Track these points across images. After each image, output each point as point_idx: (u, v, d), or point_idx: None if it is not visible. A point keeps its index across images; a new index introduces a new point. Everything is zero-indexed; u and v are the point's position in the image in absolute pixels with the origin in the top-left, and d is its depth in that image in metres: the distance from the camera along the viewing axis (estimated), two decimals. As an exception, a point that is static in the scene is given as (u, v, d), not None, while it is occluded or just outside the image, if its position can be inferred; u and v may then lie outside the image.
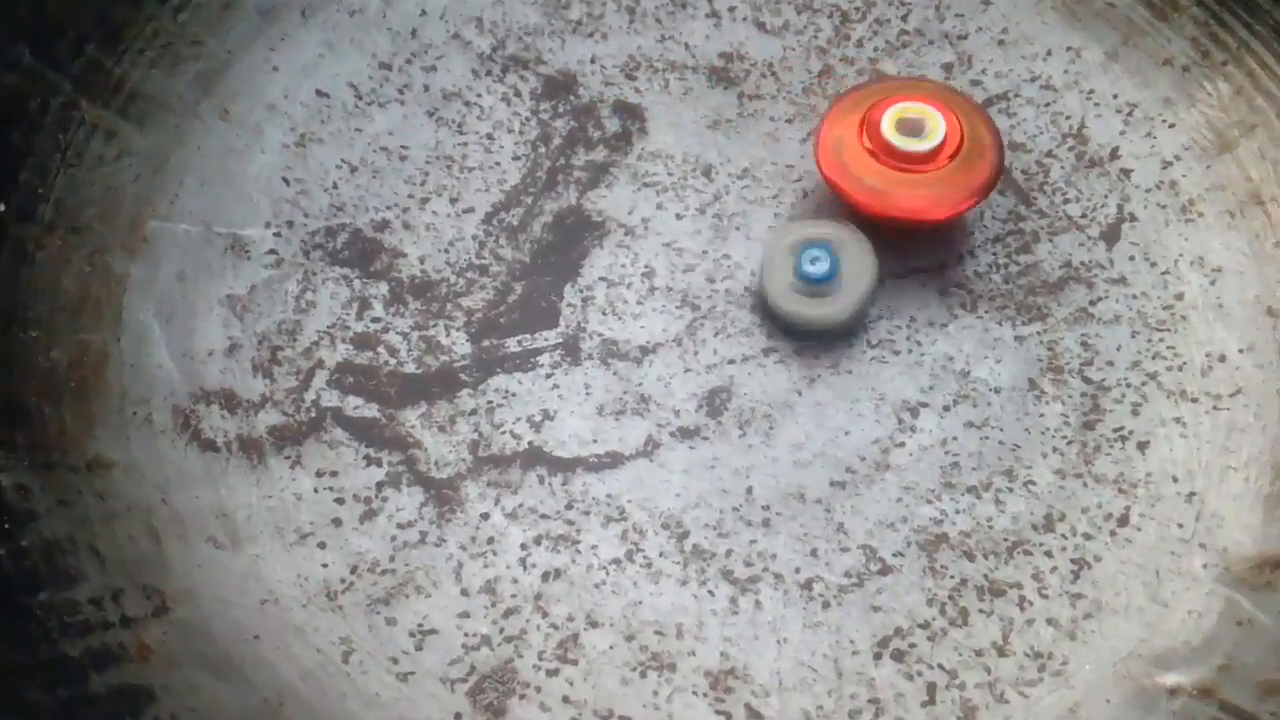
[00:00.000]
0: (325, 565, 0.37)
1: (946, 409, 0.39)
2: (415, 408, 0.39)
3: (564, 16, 0.44)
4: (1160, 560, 0.37)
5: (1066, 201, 0.42)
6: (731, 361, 0.40)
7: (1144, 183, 0.42)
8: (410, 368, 0.40)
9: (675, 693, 0.36)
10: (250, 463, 0.39)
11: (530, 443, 0.39)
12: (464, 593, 0.37)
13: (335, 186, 0.42)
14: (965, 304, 0.40)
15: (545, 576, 0.37)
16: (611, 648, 0.37)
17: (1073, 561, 0.38)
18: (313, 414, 0.39)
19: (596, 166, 0.42)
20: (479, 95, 0.43)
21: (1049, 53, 0.43)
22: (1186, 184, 0.42)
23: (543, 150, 0.43)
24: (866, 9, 0.44)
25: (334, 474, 0.39)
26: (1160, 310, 0.40)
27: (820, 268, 0.38)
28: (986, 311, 0.40)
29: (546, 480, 0.39)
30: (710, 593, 0.37)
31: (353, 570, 0.37)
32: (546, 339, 0.40)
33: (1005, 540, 0.38)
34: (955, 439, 0.39)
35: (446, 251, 0.41)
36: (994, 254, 0.41)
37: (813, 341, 0.40)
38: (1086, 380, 0.40)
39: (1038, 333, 0.40)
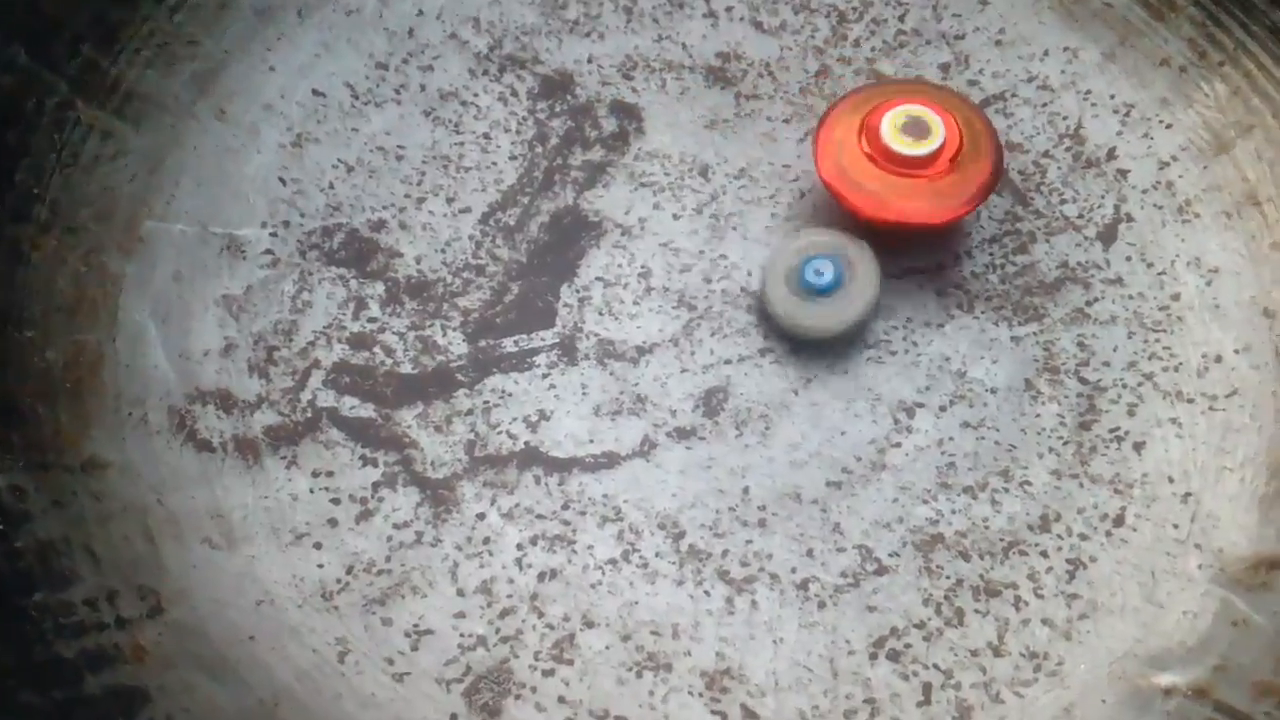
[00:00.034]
0: (321, 566, 0.37)
1: (943, 409, 0.39)
2: (411, 408, 0.39)
3: (561, 16, 0.44)
4: (1156, 561, 0.37)
5: (1063, 202, 0.42)
6: (728, 362, 0.40)
7: (1141, 183, 0.42)
8: (406, 368, 0.40)
9: (671, 693, 0.36)
10: (246, 463, 0.39)
11: (526, 443, 0.39)
12: (460, 593, 0.37)
13: (331, 186, 0.42)
14: (962, 304, 0.40)
15: (541, 576, 0.37)
16: (607, 648, 0.37)
17: (1068, 562, 0.38)
18: (308, 414, 0.39)
19: (593, 166, 0.42)
20: (476, 95, 0.43)
21: (1046, 53, 0.43)
22: (1183, 184, 0.42)
23: (539, 150, 0.43)
24: (864, 9, 0.44)
25: (330, 474, 0.39)
26: (1156, 311, 0.40)
27: (825, 278, 0.38)
28: (983, 312, 0.40)
29: (543, 480, 0.39)
30: (706, 593, 0.37)
31: (349, 571, 0.37)
32: (543, 339, 0.40)
33: (1001, 540, 0.38)
34: (951, 439, 0.39)
35: (443, 251, 0.41)
36: (991, 254, 0.41)
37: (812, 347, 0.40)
38: (1083, 381, 0.40)
39: (1034, 333, 0.40)
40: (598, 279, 0.41)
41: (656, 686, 0.36)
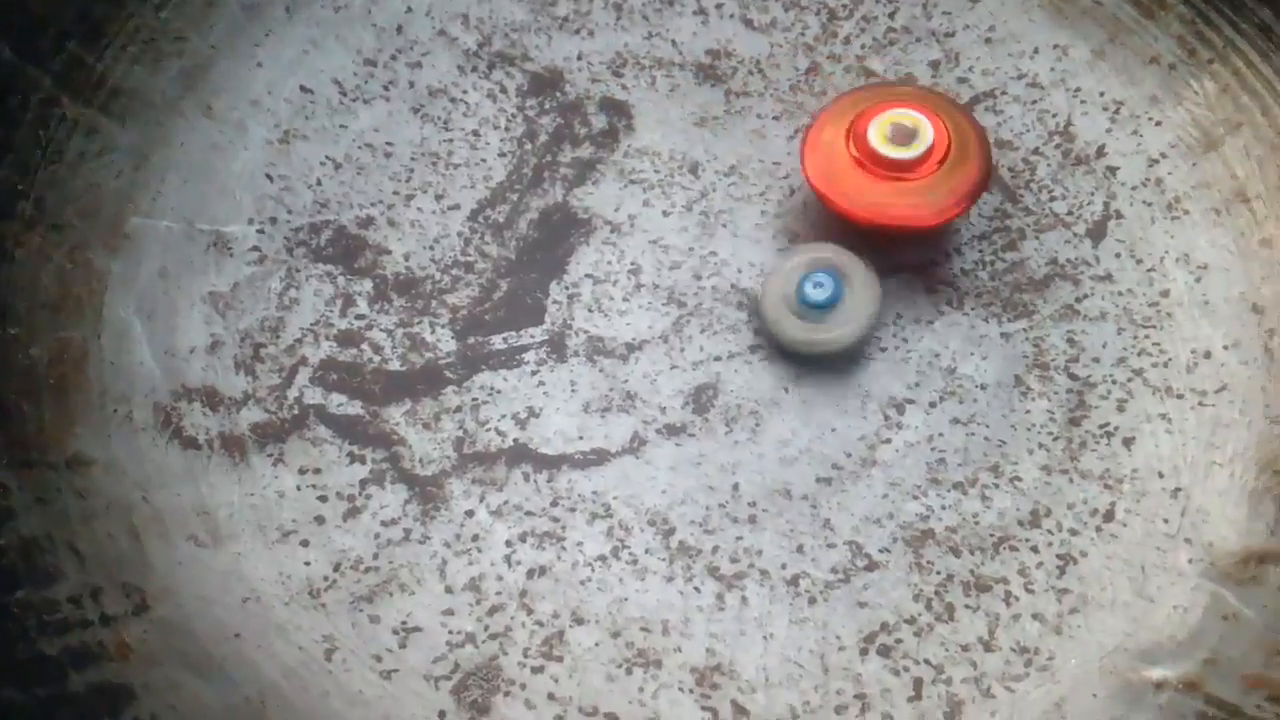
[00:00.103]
0: (308, 563, 0.37)
1: (933, 405, 0.39)
2: (399, 405, 0.39)
3: (551, 13, 0.44)
4: (1146, 555, 0.37)
5: (1053, 199, 0.42)
6: (718, 358, 0.40)
7: (1130, 180, 0.42)
8: (394, 365, 0.40)
9: (661, 689, 0.36)
10: (232, 460, 0.38)
11: (515, 440, 0.39)
12: (448, 590, 0.37)
13: (319, 183, 0.42)
14: (952, 301, 0.40)
15: (530, 573, 0.37)
16: (597, 644, 0.36)
17: (1059, 557, 0.37)
18: (296, 411, 0.39)
19: (583, 163, 0.42)
20: (465, 92, 0.43)
21: (1036, 50, 0.43)
22: (1172, 181, 0.42)
23: (529, 147, 0.42)
24: (854, 6, 0.44)
25: (317, 471, 0.38)
26: (1146, 307, 0.40)
27: (822, 293, 0.38)
28: (973, 308, 0.40)
29: (532, 477, 0.38)
30: (696, 589, 0.37)
31: (336, 568, 0.37)
32: (532, 336, 0.40)
33: (991, 536, 0.38)
34: (941, 435, 0.39)
35: (432, 248, 0.41)
36: (980, 251, 0.41)
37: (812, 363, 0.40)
38: (1072, 377, 0.40)
39: (1024, 329, 0.40)
40: (587, 276, 0.41)
41: (646, 683, 0.36)
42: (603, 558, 0.37)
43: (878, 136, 0.38)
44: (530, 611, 0.37)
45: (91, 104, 0.41)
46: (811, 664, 0.36)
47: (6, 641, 0.34)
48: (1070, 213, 0.42)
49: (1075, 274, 0.41)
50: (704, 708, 0.36)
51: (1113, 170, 0.42)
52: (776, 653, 0.36)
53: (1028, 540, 0.38)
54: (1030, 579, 0.37)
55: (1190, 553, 0.37)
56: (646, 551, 0.38)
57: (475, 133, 0.43)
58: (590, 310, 0.40)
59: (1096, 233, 0.41)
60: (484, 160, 0.42)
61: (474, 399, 0.39)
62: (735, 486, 0.38)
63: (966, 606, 0.37)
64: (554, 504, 0.38)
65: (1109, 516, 0.38)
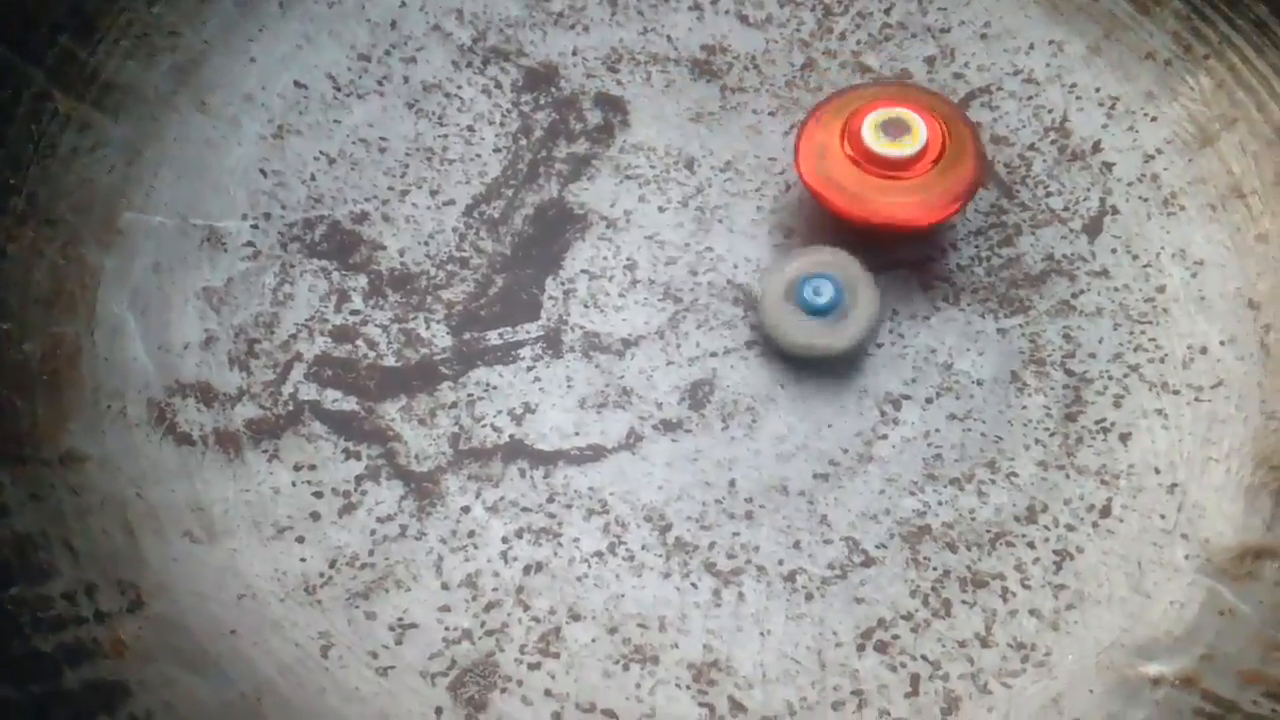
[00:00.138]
0: (304, 559, 0.37)
1: (929, 401, 0.39)
2: (395, 401, 0.39)
3: (545, 8, 0.44)
4: (1142, 551, 0.37)
5: (1049, 195, 0.42)
6: (714, 354, 0.40)
7: (1126, 176, 0.42)
8: (390, 360, 0.40)
9: (658, 685, 0.36)
10: (227, 456, 0.38)
11: (511, 436, 0.39)
12: (444, 586, 0.37)
13: (313, 178, 0.42)
14: (948, 297, 0.40)
15: (527, 570, 0.37)
16: (594, 641, 0.36)
17: (1055, 553, 0.37)
18: (290, 407, 0.39)
19: (578, 159, 0.42)
20: (459, 87, 0.43)
21: (1031, 46, 0.43)
22: (1168, 177, 0.42)
23: (524, 142, 0.42)
24: (849, 2, 0.44)
25: (312, 467, 0.38)
26: (1142, 303, 0.40)
27: (823, 298, 0.38)
28: (969, 304, 0.40)
29: (528, 473, 0.38)
30: (693, 585, 0.37)
31: (331, 564, 0.37)
32: (528, 332, 0.40)
33: (988, 532, 0.38)
34: (938, 431, 0.39)
35: (426, 244, 0.41)
36: (976, 247, 0.41)
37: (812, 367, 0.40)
38: (1068, 372, 0.40)
39: (1020, 325, 0.40)
40: (583, 271, 0.41)
41: (643, 679, 0.36)
42: (599, 554, 0.37)
43: (872, 135, 0.38)
44: (527, 608, 0.37)
45: (84, 99, 0.41)
46: (808, 660, 0.36)
47: (1, 638, 0.34)
48: (1066, 208, 0.42)
49: (1071, 270, 0.41)
50: (701, 704, 0.36)
51: (1108, 166, 0.42)
52: (773, 649, 0.36)
53: (1024, 536, 0.38)
54: (1027, 575, 0.37)
55: (1187, 548, 0.37)
56: (643, 548, 0.37)
57: (470, 128, 0.42)
58: (586, 306, 0.40)
59: (1092, 228, 0.41)
60: (479, 156, 0.42)
61: (470, 395, 0.39)
62: (732, 483, 0.38)
63: (963, 602, 0.37)
64: (550, 500, 0.38)
65: (1105, 512, 0.38)
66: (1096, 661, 0.36)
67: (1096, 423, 0.39)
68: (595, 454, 0.39)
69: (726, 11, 0.44)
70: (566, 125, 0.43)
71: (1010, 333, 0.40)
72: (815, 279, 0.38)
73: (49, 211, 0.40)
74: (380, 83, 0.43)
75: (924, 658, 0.36)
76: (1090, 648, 0.36)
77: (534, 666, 0.36)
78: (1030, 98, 0.43)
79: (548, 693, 0.36)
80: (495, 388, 0.39)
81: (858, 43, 0.44)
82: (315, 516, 0.38)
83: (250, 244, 0.41)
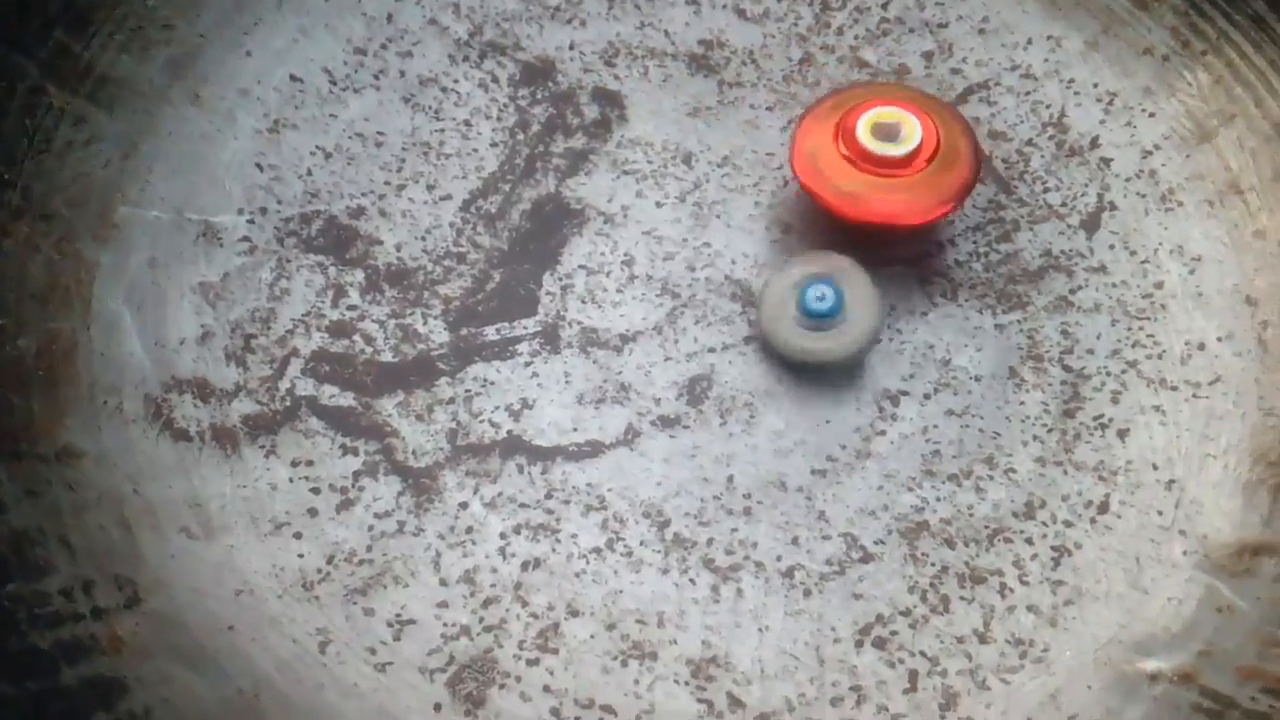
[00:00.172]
0: (301, 555, 0.37)
1: (927, 397, 0.39)
2: (392, 396, 0.39)
3: (542, 2, 0.44)
4: (1140, 547, 0.38)
5: (1046, 190, 0.42)
6: (712, 350, 0.40)
7: (1124, 172, 0.42)
8: (387, 356, 0.39)
9: (657, 681, 0.36)
10: (224, 452, 0.38)
11: (509, 431, 0.39)
12: (443, 582, 0.37)
13: (309, 173, 0.41)
14: (946, 292, 0.40)
15: (525, 566, 0.37)
16: (592, 637, 0.36)
17: (1053, 549, 0.38)
18: (287, 403, 0.39)
19: (575, 154, 0.42)
20: (456, 81, 0.43)
21: (1029, 41, 0.43)
22: (1166, 173, 0.42)
23: (521, 137, 0.42)
24: (846, -3, 0.44)
25: (309, 463, 0.38)
26: (1140, 299, 0.40)
27: (825, 303, 0.37)
28: (967, 300, 0.40)
29: (526, 469, 0.38)
30: (691, 581, 0.37)
31: (329, 560, 0.37)
32: (525, 327, 0.40)
33: (986, 528, 0.38)
34: (936, 427, 0.39)
35: (423, 239, 0.41)
36: (974, 243, 0.41)
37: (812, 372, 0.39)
38: (1066, 368, 0.40)
39: (1018, 321, 0.40)
40: (580, 267, 0.41)
41: (642, 675, 0.36)
42: (597, 550, 0.37)
43: (866, 133, 0.38)
44: (525, 604, 0.37)
45: (79, 93, 0.41)
46: (807, 656, 0.36)
47: (-3, 635, 0.34)
48: (1064, 204, 0.42)
49: (1069, 266, 0.41)
50: (700, 700, 0.36)
51: (1106, 162, 0.42)
52: (772, 645, 0.36)
53: (1022, 532, 0.38)
54: (1025, 571, 0.37)
55: (1185, 545, 0.37)
56: (641, 544, 0.37)
57: (467, 122, 0.42)
58: (584, 301, 0.40)
59: (1090, 224, 0.41)
60: (476, 150, 0.42)
61: (467, 390, 0.39)
62: (730, 478, 0.38)
63: (961, 598, 0.37)
64: (548, 496, 0.38)
65: (1103, 508, 0.38)
66: (1095, 657, 0.36)
67: (1094, 419, 0.39)
68: (593, 450, 0.38)
69: (724, 6, 0.44)
70: (564, 120, 0.42)
71: (1008, 329, 0.40)
72: (817, 284, 0.38)
73: (44, 206, 0.40)
74: (376, 77, 0.43)
75: (922, 653, 0.36)
76: (1088, 644, 0.36)
77: (532, 662, 0.36)
78: (1028, 93, 0.43)
79: (546, 689, 0.36)
80: (493, 383, 0.39)
81: (855, 38, 0.44)
82: (313, 512, 0.37)
83: (246, 239, 0.40)
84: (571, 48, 0.43)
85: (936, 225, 0.41)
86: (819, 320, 0.38)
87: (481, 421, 0.39)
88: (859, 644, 0.36)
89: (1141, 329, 0.40)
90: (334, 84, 0.43)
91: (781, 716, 0.36)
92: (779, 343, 0.38)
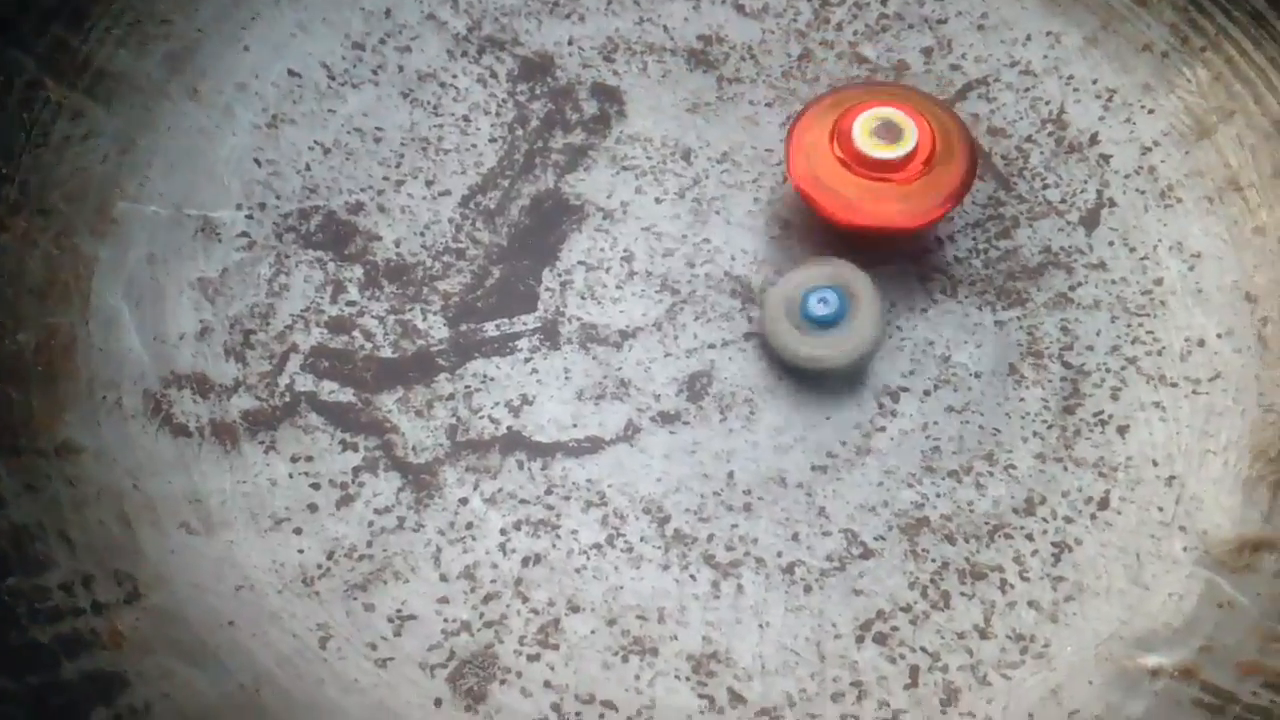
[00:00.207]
0: (301, 551, 0.37)
1: (927, 393, 0.39)
2: (392, 392, 0.39)
3: (541, -2, 0.44)
4: (1141, 543, 0.38)
5: (1046, 187, 0.42)
6: (712, 346, 0.40)
7: (1123, 168, 0.42)
8: (386, 352, 0.39)
9: (657, 676, 0.36)
10: (223, 448, 0.38)
11: (509, 427, 0.39)
12: (443, 578, 0.37)
13: (308, 168, 0.41)
14: (945, 289, 0.40)
15: (525, 561, 0.37)
16: (593, 632, 0.36)
17: (1053, 545, 0.38)
18: (287, 398, 0.39)
19: (574, 149, 0.42)
20: (455, 76, 0.43)
21: (1028, 38, 0.43)
22: (1165, 169, 0.42)
23: (520, 133, 0.42)
24: (846, -7, 0.44)
25: (309, 459, 0.38)
26: (1139, 295, 0.40)
27: (827, 309, 0.37)
28: (966, 296, 0.40)
29: (526, 465, 0.38)
30: (692, 577, 0.37)
31: (329, 556, 0.37)
32: (525, 323, 0.40)
33: (986, 524, 0.38)
34: (936, 423, 0.39)
35: (422, 235, 0.41)
36: (974, 239, 0.41)
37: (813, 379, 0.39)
38: (1066, 365, 0.40)
39: (1018, 318, 0.40)
40: (580, 263, 0.41)
41: (643, 670, 0.36)
42: (598, 546, 0.37)
43: (862, 136, 0.38)
44: (525, 599, 0.37)
45: (76, 87, 0.41)
46: (807, 651, 0.36)
47: (-3, 630, 0.34)
48: (1063, 201, 0.42)
49: (1069, 262, 0.41)
50: (700, 695, 0.36)
51: (1106, 158, 0.42)
52: (772, 640, 0.36)
53: (1023, 528, 0.38)
54: (1025, 567, 0.37)
55: (1185, 540, 0.37)
56: (642, 539, 0.37)
57: (465, 118, 0.42)
58: (583, 297, 0.40)
59: (1090, 221, 0.41)
60: (475, 146, 0.42)
61: (467, 386, 0.39)
62: (730, 474, 0.38)
63: (962, 594, 0.37)
64: (548, 492, 0.38)
65: (1104, 504, 0.38)
66: (1095, 653, 0.36)
67: (1094, 415, 0.39)
68: (593, 446, 0.38)
69: (723, 2, 0.44)
70: (562, 115, 0.42)
71: (1008, 325, 0.40)
72: (820, 290, 0.38)
73: (42, 201, 0.39)
74: (375, 72, 0.43)
75: (923, 649, 0.36)
76: (1089, 639, 0.36)
77: (533, 658, 0.36)
78: (1027, 89, 0.43)
79: (547, 684, 0.36)
80: (492, 379, 0.39)
81: (854, 33, 0.44)
82: (313, 508, 0.37)
83: (245, 234, 0.40)
84: (570, 43, 0.43)
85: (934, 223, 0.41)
86: (821, 326, 0.38)
87: (481, 417, 0.39)
88: (860, 640, 0.37)
89: (1141, 325, 0.40)
90: (332, 79, 0.42)
91: (782, 712, 0.36)
92: (779, 346, 0.38)
